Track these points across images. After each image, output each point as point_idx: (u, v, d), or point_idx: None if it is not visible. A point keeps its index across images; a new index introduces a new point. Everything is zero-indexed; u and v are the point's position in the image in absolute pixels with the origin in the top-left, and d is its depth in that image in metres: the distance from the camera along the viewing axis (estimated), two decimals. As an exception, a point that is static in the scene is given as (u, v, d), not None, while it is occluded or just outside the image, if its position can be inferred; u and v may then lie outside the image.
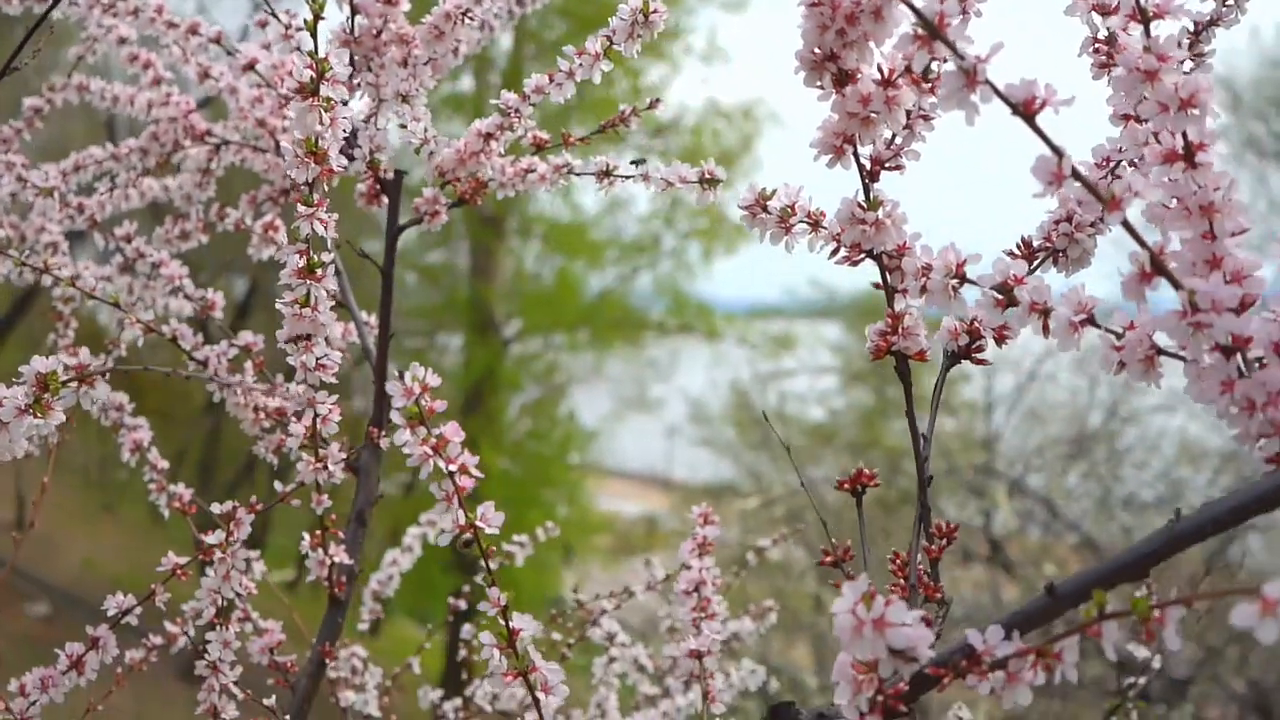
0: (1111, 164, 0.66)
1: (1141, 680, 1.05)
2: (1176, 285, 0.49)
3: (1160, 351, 0.52)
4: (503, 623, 0.62)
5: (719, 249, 11.55)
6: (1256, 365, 0.51)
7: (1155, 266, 0.50)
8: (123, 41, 1.17)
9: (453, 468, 0.60)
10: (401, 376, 0.59)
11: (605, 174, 0.91)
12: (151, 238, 1.16)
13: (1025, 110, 0.49)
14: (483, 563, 0.63)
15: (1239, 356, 0.50)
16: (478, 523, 0.61)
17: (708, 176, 0.81)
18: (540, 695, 0.62)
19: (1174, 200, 0.54)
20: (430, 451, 0.59)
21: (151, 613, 1.02)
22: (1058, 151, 0.49)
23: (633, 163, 0.91)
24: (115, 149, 1.17)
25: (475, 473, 0.60)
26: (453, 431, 0.60)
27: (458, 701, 1.30)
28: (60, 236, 1.26)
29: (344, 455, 0.89)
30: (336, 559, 0.94)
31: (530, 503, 9.60)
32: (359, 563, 0.97)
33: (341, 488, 1.05)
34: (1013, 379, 7.59)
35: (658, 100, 0.96)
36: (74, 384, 0.65)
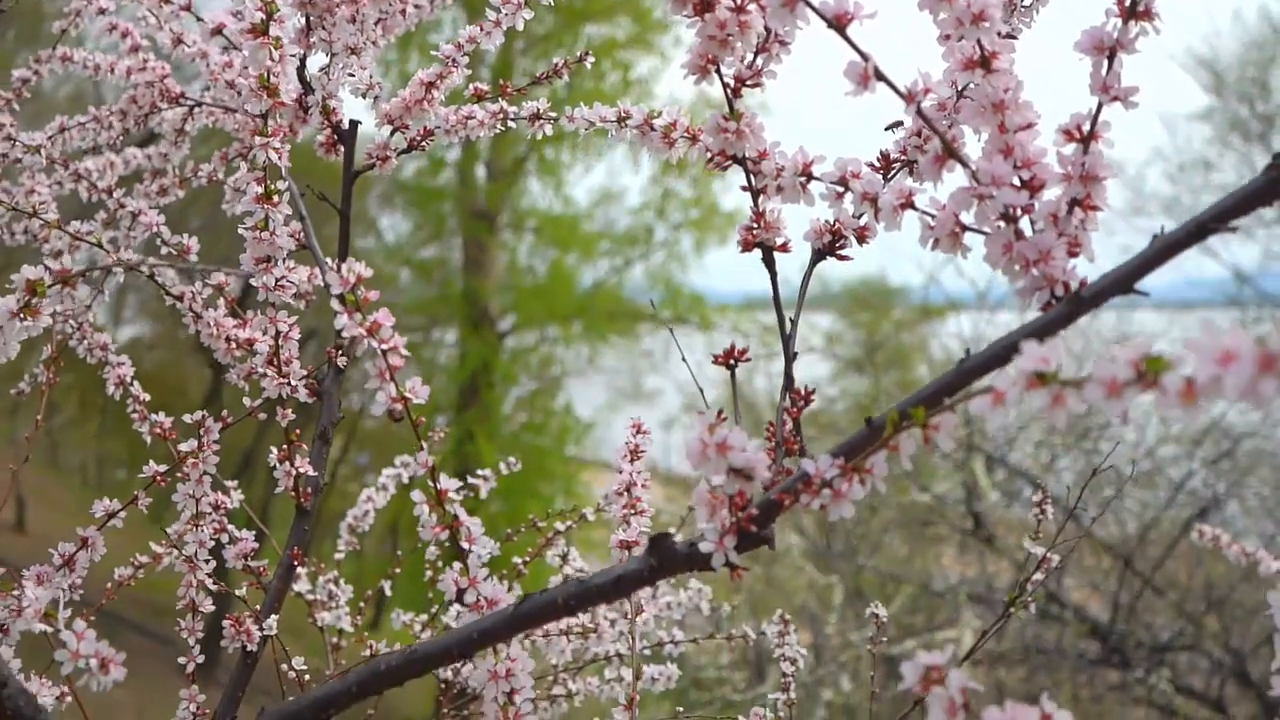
0: (958, 85, 0.76)
1: (1039, 576, 1.15)
2: (965, 165, 0.60)
3: (964, 228, 0.63)
4: (431, 484, 0.73)
5: (711, 240, 11.66)
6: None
7: (948, 151, 0.60)
8: (102, 12, 1.27)
9: (385, 347, 0.70)
10: (339, 269, 0.69)
11: (536, 117, 1.01)
12: (132, 192, 1.26)
13: (838, 23, 0.59)
14: (415, 435, 0.73)
15: (1020, 224, 0.60)
16: (407, 394, 0.71)
17: (623, 115, 0.91)
18: (465, 546, 0.73)
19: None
20: (365, 333, 0.69)
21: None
22: (865, 57, 0.59)
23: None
24: (96, 112, 1.27)
25: (404, 352, 0.71)
26: (384, 316, 0.70)
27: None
28: (49, 197, 1.36)
29: (305, 373, 0.99)
30: (302, 470, 1.04)
31: (528, 495, 9.70)
32: (323, 475, 1.07)
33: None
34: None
35: (587, 53, 1.06)
36: (58, 287, 0.75)
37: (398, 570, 1.52)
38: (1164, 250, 0.55)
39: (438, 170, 11.26)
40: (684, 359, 1.05)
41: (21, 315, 0.76)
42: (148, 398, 1.19)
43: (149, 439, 1.16)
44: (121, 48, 1.28)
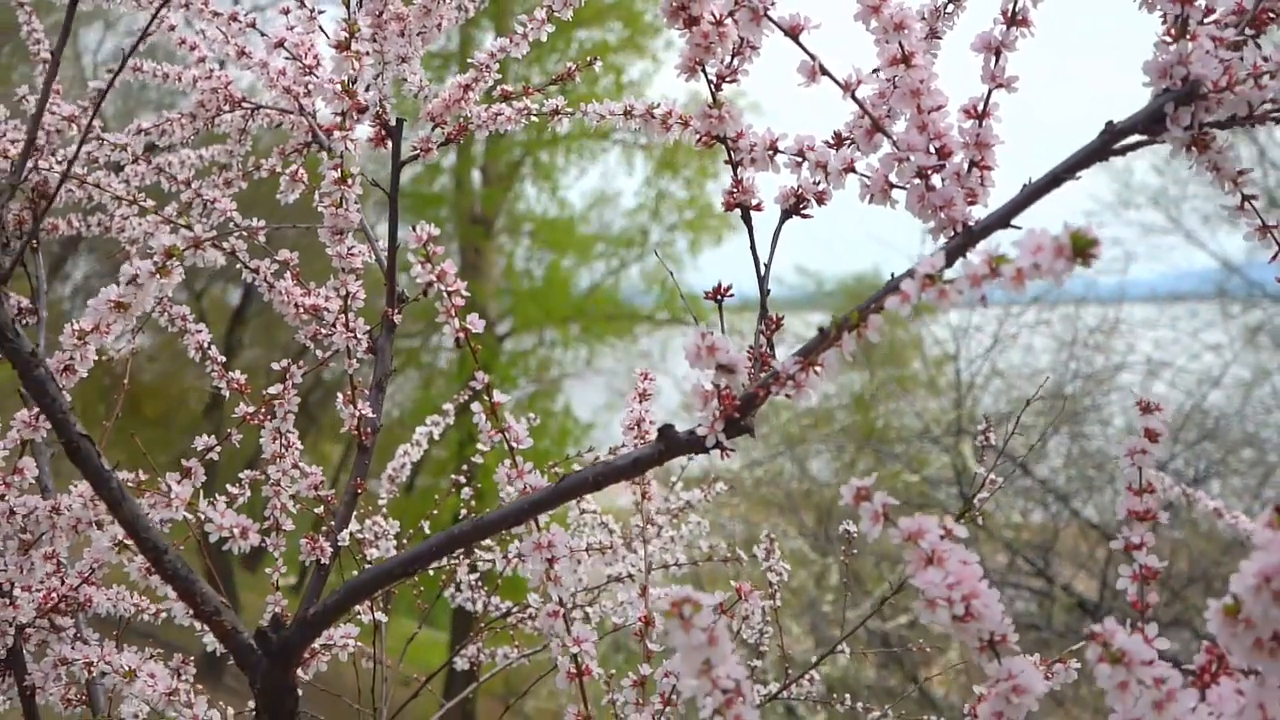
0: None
1: (985, 494, 1.35)
2: (889, 137, 0.80)
3: (891, 184, 0.83)
4: (488, 399, 0.93)
5: (706, 240, 11.87)
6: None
7: (875, 127, 0.81)
8: (172, 28, 1.47)
9: (451, 289, 0.90)
10: (414, 228, 0.89)
11: (555, 113, 1.22)
12: (203, 184, 1.46)
13: (791, 32, 0.79)
14: (474, 359, 0.93)
15: (932, 180, 0.80)
16: (467, 325, 0.91)
17: (628, 109, 1.11)
18: (514, 445, 0.93)
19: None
20: (435, 279, 0.90)
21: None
22: (812, 57, 0.79)
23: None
24: (169, 115, 1.47)
25: (464, 293, 0.91)
26: (449, 266, 0.90)
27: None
28: (124, 191, 1.56)
29: (369, 328, 1.19)
30: (364, 413, 1.24)
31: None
32: (380, 418, 1.27)
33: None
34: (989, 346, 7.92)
35: (595, 58, 1.26)
36: (190, 250, 0.95)
37: (435, 513, 1.72)
38: (1031, 195, 0.75)
39: (434, 176, 11.47)
40: (717, 333, 1.25)
41: (158, 275, 0.96)
42: (223, 359, 1.39)
43: (227, 392, 1.35)
44: (189, 59, 1.48)
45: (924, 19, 0.94)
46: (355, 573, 1.47)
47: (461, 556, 1.62)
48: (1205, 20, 0.74)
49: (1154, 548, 0.79)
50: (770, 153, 0.89)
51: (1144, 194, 9.17)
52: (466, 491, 1.66)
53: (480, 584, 1.65)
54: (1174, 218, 9.03)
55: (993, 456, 1.41)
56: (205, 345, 1.40)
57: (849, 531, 1.48)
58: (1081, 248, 0.57)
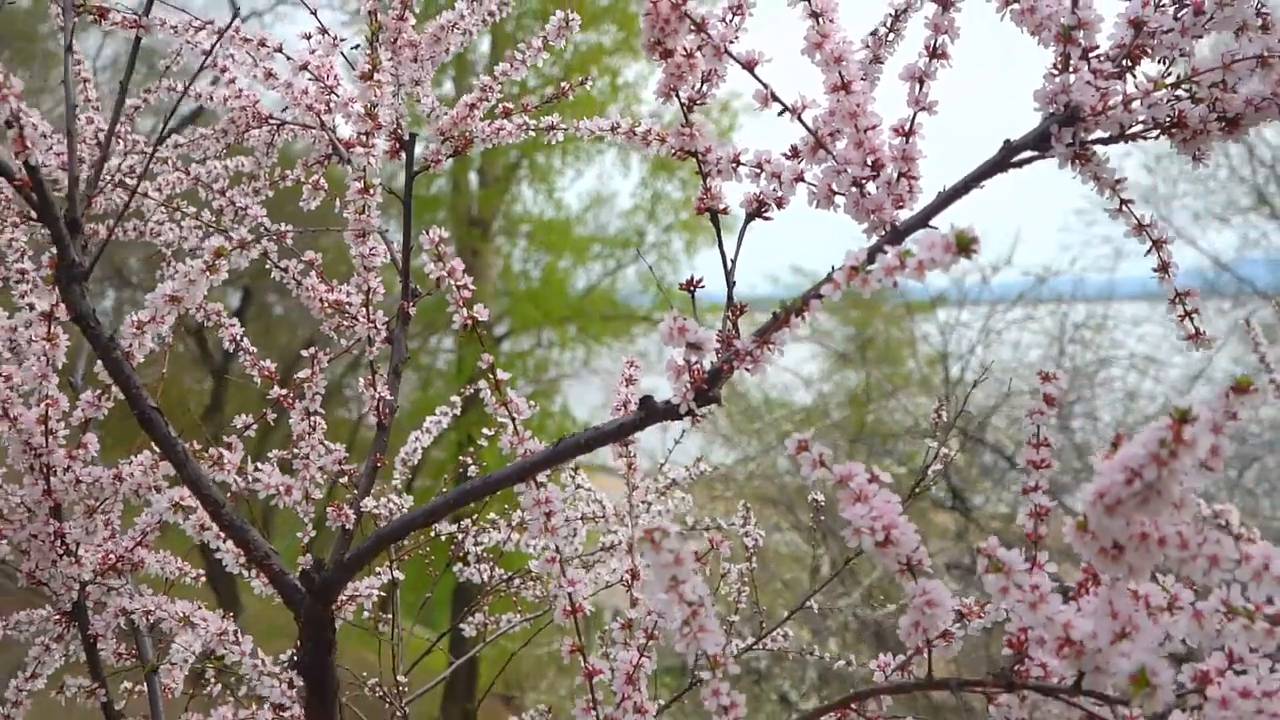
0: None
1: (932, 472, 1.51)
2: (829, 152, 0.96)
3: (834, 191, 0.98)
4: (492, 376, 1.08)
5: (703, 241, 12.02)
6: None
7: (818, 143, 0.96)
8: (206, 53, 1.62)
9: (459, 283, 1.05)
10: (427, 231, 1.05)
11: (551, 128, 1.37)
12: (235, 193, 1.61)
13: (748, 65, 0.95)
14: (480, 342, 1.08)
15: (867, 188, 0.96)
16: (474, 314, 1.06)
17: (615, 125, 1.27)
18: (515, 415, 1.08)
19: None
20: (446, 274, 1.05)
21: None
22: (765, 85, 0.95)
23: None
24: (204, 130, 1.63)
25: (470, 286, 1.06)
26: (458, 263, 1.06)
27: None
28: (160, 200, 1.71)
29: (387, 319, 1.34)
30: (382, 395, 1.39)
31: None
32: (396, 400, 1.43)
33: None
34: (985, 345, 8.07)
35: (587, 78, 1.42)
36: (237, 249, 1.11)
37: (444, 490, 1.86)
38: (944, 200, 0.90)
39: (431, 179, 11.62)
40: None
41: (208, 272, 1.11)
42: (255, 350, 1.55)
43: (259, 381, 1.51)
44: (221, 80, 1.63)
45: (868, 47, 1.10)
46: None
47: (469, 526, 1.78)
48: (1090, 54, 0.89)
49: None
50: (733, 165, 1.04)
51: (1134, 192, 9.27)
52: (473, 470, 1.81)
53: (486, 555, 1.80)
54: (1164, 215, 9.19)
55: (945, 433, 1.57)
56: (239, 338, 1.56)
57: (818, 500, 1.64)
58: (964, 245, 0.72)
